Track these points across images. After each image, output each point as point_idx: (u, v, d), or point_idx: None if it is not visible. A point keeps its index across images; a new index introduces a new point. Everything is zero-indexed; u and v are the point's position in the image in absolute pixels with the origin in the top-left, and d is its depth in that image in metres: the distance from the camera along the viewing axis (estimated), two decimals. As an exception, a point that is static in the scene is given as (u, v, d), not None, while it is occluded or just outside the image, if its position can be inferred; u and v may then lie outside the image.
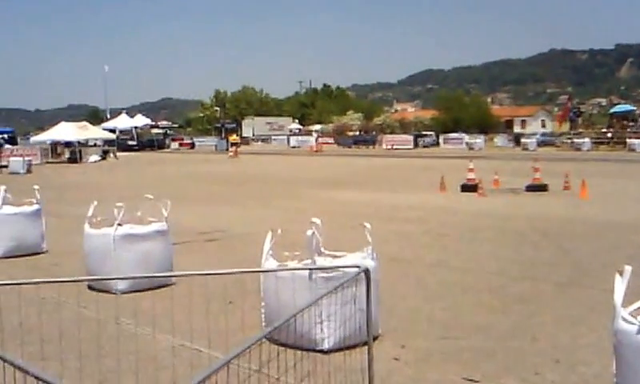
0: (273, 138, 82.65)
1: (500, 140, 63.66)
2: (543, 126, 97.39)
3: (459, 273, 9.26)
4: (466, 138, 61.54)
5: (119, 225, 8.27)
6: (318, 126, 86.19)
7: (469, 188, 19.75)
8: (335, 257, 6.31)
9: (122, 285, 7.89)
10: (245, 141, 75.11)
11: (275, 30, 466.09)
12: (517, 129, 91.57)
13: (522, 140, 59.04)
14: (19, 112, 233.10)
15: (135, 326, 5.98)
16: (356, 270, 4.70)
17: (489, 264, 9.82)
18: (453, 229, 13.31)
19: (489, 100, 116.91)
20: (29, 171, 34.33)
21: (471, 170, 20.46)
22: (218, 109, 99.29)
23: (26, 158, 36.93)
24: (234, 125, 77.65)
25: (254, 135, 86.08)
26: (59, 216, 14.31)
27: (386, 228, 12.43)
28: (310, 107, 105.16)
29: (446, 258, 10.33)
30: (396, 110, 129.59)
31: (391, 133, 73.48)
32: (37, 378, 2.41)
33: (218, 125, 78.10)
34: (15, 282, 5.24)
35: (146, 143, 65.69)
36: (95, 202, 8.56)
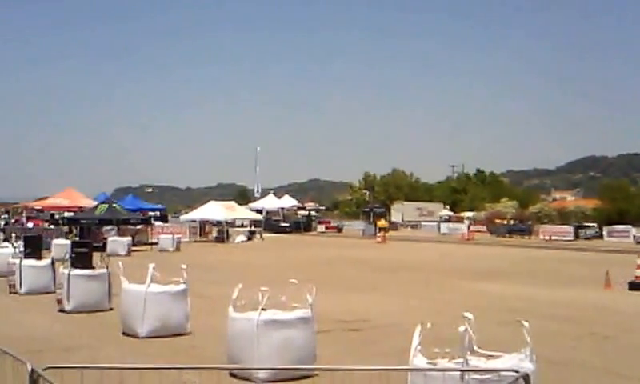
0: (422, 223, 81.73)
1: (672, 234, 58.90)
2: None
3: (627, 382, 8.42)
4: (634, 230, 57.57)
5: (263, 309, 8.15)
6: (469, 213, 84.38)
7: (638, 286, 18.20)
8: (490, 357, 5.91)
9: (263, 373, 7.68)
10: (393, 226, 74.32)
11: (428, 112, 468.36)
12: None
13: (698, 235, 54.12)
14: (171, 189, 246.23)
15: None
16: (514, 374, 4.50)
17: (662, 374, 8.90)
18: (620, 331, 12.24)
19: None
20: (177, 249, 35.52)
21: (640, 267, 18.87)
22: (366, 192, 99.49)
23: (176, 236, 38.17)
24: (383, 209, 77.38)
25: (403, 220, 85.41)
26: (203, 296, 14.54)
27: (543, 326, 11.54)
28: (461, 193, 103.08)
29: (612, 365, 9.44)
30: (554, 199, 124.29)
31: (548, 222, 70.37)
32: None
33: (367, 209, 78.30)
34: (157, 366, 5.22)
35: (292, 225, 66.43)
36: (240, 285, 8.50)
